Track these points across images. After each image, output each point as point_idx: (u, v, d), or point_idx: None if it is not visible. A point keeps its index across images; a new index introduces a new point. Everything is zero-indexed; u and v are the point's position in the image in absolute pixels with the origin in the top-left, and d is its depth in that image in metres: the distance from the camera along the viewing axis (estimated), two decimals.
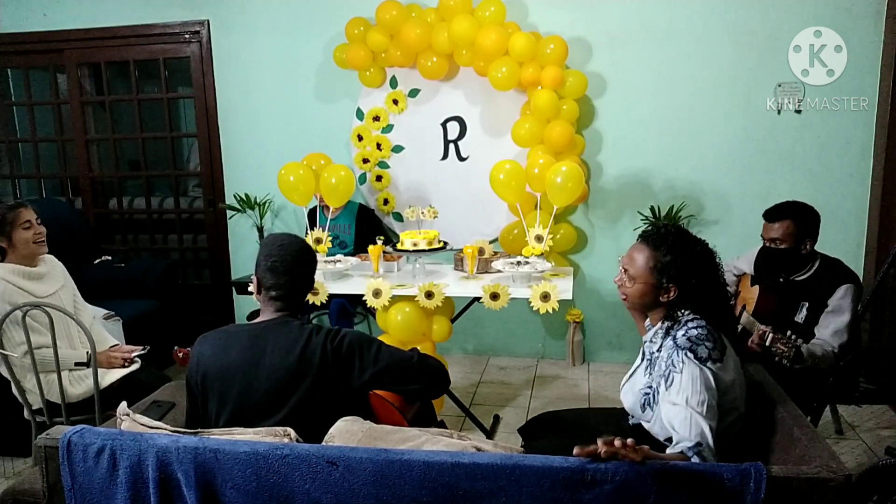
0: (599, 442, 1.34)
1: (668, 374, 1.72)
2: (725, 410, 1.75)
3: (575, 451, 1.36)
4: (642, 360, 1.93)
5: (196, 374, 1.81)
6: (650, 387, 1.83)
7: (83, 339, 2.61)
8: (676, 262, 1.76)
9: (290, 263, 1.82)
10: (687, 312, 1.79)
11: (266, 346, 1.75)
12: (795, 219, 2.55)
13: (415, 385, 1.81)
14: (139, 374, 2.74)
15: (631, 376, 1.97)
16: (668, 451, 1.63)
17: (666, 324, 1.82)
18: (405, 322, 2.93)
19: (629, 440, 1.35)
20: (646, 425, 1.89)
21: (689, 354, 1.69)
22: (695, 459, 1.56)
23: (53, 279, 2.76)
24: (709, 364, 1.68)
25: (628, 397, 1.94)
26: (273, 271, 1.81)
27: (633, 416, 1.98)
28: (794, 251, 2.57)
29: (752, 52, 3.86)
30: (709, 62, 3.91)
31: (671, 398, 1.68)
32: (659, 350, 1.81)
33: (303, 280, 1.87)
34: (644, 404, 1.85)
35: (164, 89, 4.70)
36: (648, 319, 1.93)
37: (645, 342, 1.93)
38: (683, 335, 1.73)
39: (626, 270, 1.85)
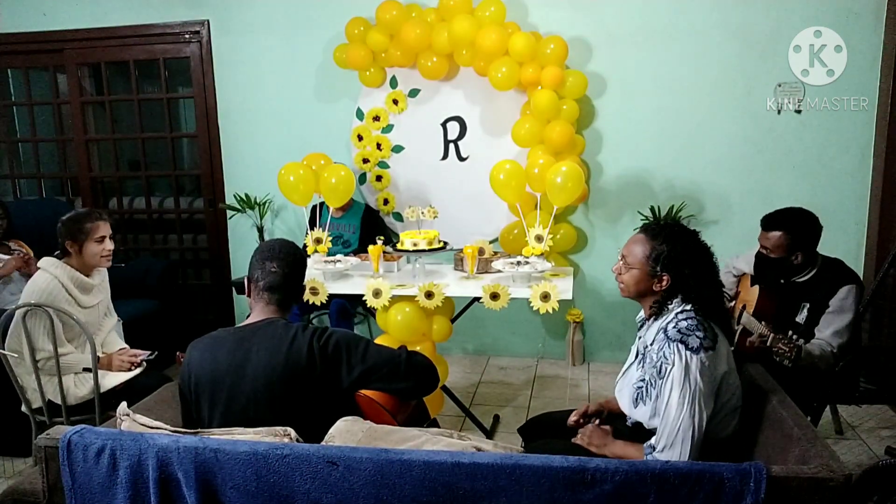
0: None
1: (661, 365, 1.76)
2: (721, 400, 1.78)
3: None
4: (636, 356, 1.96)
5: (188, 380, 1.81)
6: (643, 380, 1.86)
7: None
8: (671, 253, 1.82)
9: (283, 256, 1.86)
10: (676, 303, 1.83)
11: (252, 348, 1.75)
12: (789, 231, 2.53)
13: (404, 383, 1.80)
14: (140, 375, 2.74)
15: (624, 373, 2.00)
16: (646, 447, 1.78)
17: (658, 319, 1.86)
18: (405, 322, 2.93)
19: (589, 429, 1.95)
20: (644, 424, 1.89)
21: (679, 346, 1.73)
22: (649, 457, 1.74)
23: (100, 291, 2.77)
24: (700, 354, 1.72)
25: (623, 395, 1.95)
26: (266, 263, 1.84)
27: (630, 417, 1.98)
28: (783, 261, 2.57)
29: (752, 52, 3.85)
30: (709, 62, 3.91)
31: (664, 397, 1.73)
32: (651, 343, 1.85)
33: (295, 274, 1.88)
34: (636, 398, 1.87)
35: (164, 89, 4.70)
36: (642, 312, 1.97)
37: (639, 337, 1.96)
38: (674, 327, 1.77)
39: (624, 257, 1.92)
